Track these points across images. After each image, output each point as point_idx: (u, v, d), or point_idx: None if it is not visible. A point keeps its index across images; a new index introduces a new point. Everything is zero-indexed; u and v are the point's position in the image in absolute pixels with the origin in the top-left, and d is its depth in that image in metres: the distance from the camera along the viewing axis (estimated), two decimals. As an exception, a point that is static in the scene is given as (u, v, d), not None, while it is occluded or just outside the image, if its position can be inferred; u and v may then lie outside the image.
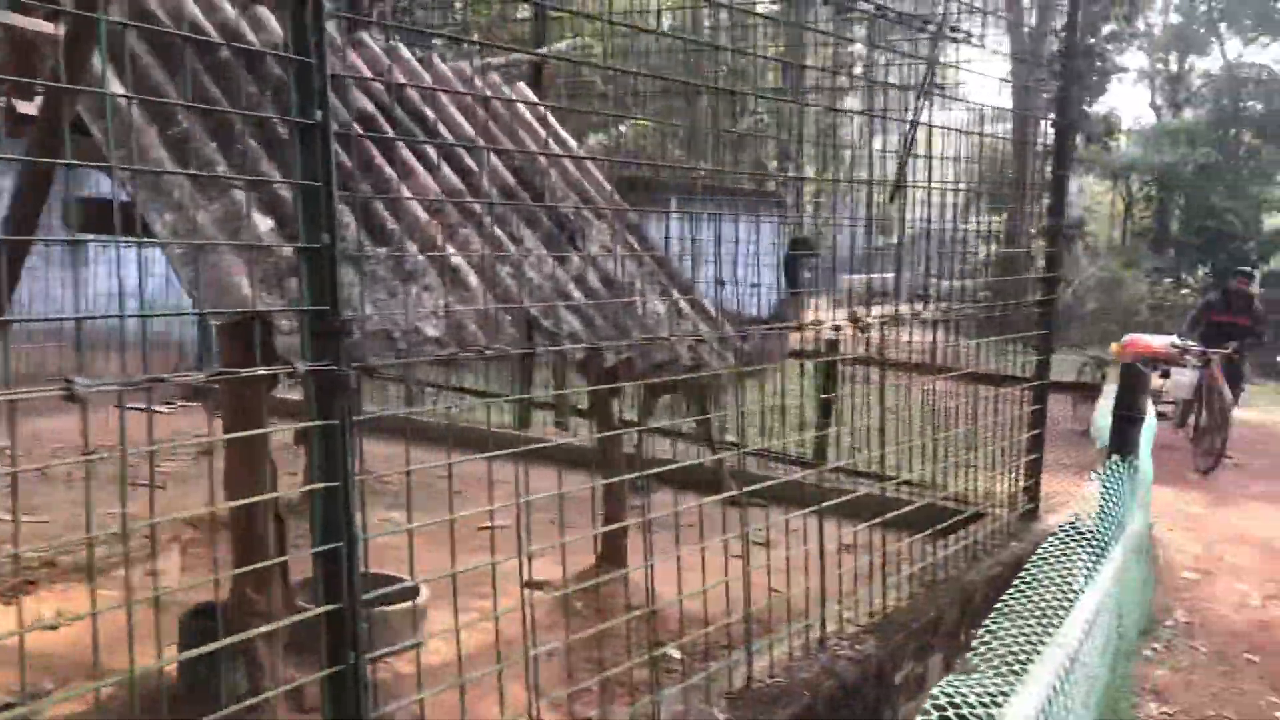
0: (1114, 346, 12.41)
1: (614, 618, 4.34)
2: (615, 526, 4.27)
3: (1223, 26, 34.49)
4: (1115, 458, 3.20)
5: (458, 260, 3.18)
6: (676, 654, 4.38)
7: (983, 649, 2.16)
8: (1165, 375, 11.39)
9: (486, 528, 4.49)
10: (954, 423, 5.28)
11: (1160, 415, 11.61)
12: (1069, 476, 7.41)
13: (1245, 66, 32.58)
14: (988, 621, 2.24)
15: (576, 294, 3.59)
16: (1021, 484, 5.52)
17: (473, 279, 3.15)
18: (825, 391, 6.58)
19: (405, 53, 4.29)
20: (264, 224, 2.75)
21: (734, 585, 3.64)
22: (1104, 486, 2.88)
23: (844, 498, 4.14)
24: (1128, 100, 57.54)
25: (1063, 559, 2.42)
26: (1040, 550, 2.51)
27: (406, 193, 3.39)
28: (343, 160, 3.34)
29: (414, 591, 4.11)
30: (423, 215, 3.32)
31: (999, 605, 2.39)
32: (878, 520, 4.28)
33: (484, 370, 7.86)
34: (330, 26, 3.57)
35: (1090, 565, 2.44)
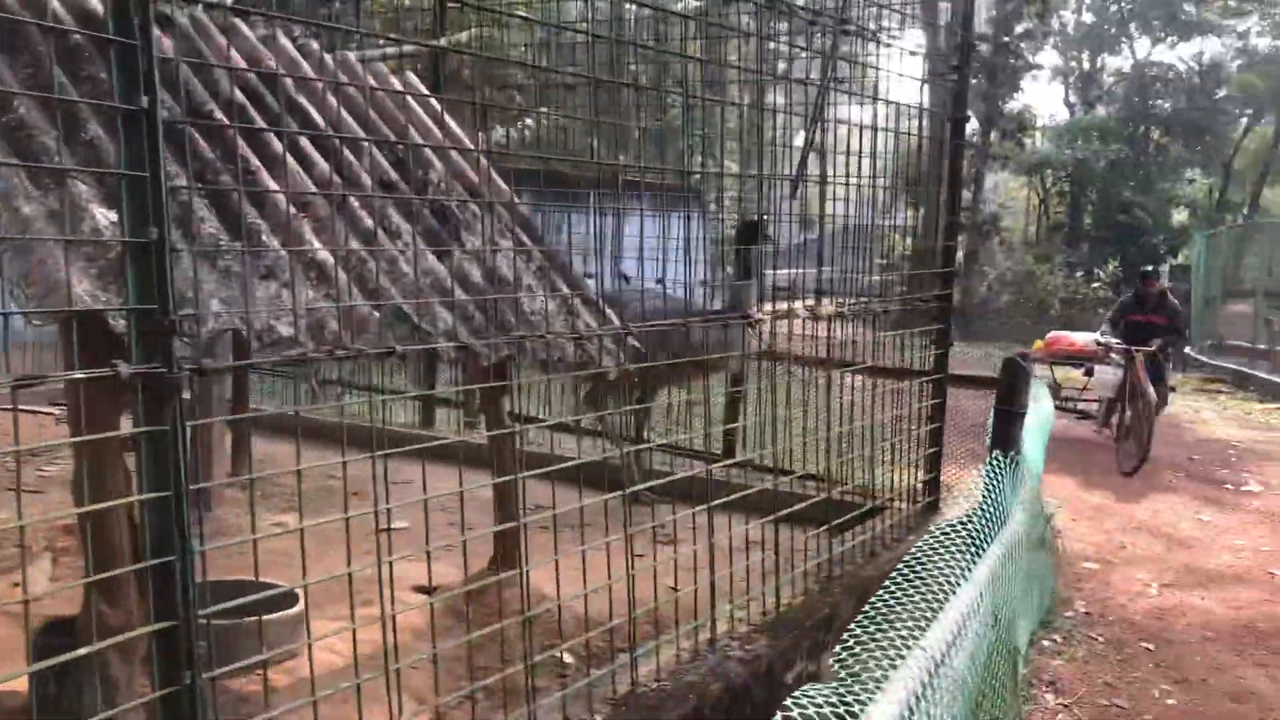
0: (1037, 344, 12.33)
1: (505, 622, 4.24)
2: (505, 526, 4.17)
3: (1133, 26, 35.33)
4: (996, 453, 3.18)
5: (324, 255, 3.05)
6: (569, 658, 4.30)
7: (845, 656, 2.11)
8: (1089, 373, 11.36)
9: (385, 530, 4.34)
10: (856, 417, 5.26)
11: (1084, 414, 11.57)
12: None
13: (1154, 66, 33.45)
14: (852, 627, 2.19)
15: (456, 290, 3.47)
16: (922, 478, 5.53)
17: (340, 275, 3.02)
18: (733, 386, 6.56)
19: (285, 42, 4.13)
20: (108, 217, 2.59)
21: (634, 584, 3.56)
22: (984, 484, 2.85)
23: (742, 493, 4.08)
24: (1043, 97, 58.67)
25: (936, 559, 2.38)
26: (913, 551, 2.47)
27: (273, 185, 3.24)
28: (202, 151, 3.19)
29: (291, 599, 3.96)
30: (289, 209, 3.18)
31: (865, 610, 2.33)
32: (776, 516, 4.25)
33: (386, 368, 7.70)
34: (180, 12, 3.41)
35: (964, 566, 2.40)
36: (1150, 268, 11.70)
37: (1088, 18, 37.59)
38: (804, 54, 5.10)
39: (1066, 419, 11.71)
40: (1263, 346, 18.07)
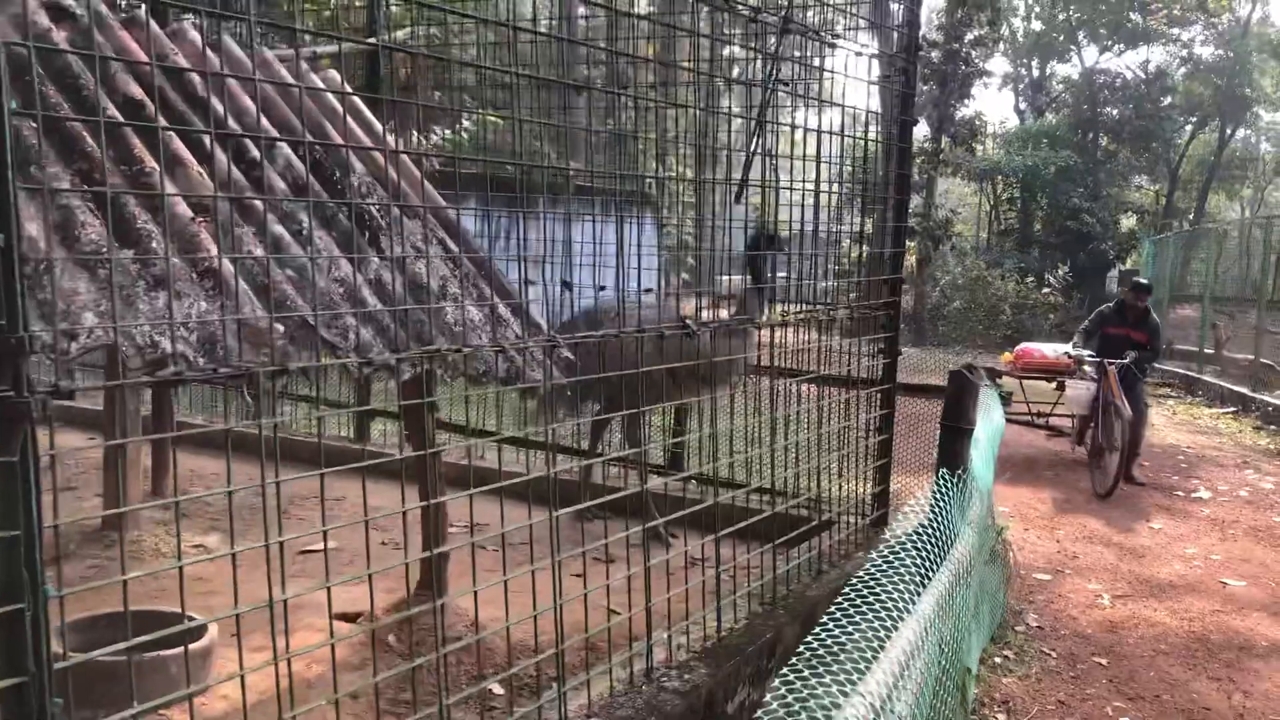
0: (1005, 356, 11.82)
1: (428, 650, 4.01)
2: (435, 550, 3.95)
3: (1080, 34, 35.69)
4: (943, 472, 3.00)
5: (222, 263, 2.82)
6: (499, 689, 4.08)
7: (786, 694, 1.92)
8: (1061, 388, 10.78)
9: (308, 551, 4.09)
10: (803, 428, 5.10)
11: (1056, 430, 11.23)
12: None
13: (1102, 73, 33.79)
14: (794, 661, 2.00)
15: (372, 300, 3.26)
16: (871, 490, 5.37)
17: (240, 285, 2.80)
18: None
19: (193, 35, 3.89)
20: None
21: (562, 613, 3.35)
22: (930, 506, 2.68)
23: (688, 511, 3.90)
24: (993, 104, 59.36)
25: (881, 589, 2.20)
26: (859, 575, 2.29)
27: (171, 188, 3.01)
28: (91, 150, 2.96)
29: (200, 631, 3.71)
30: (186, 212, 2.95)
31: (808, 641, 2.14)
32: (718, 535, 4.07)
33: (325, 378, 7.44)
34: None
35: (909, 599, 2.23)
36: (1144, 280, 10.77)
37: (1036, 25, 37.95)
38: (747, 54, 4.94)
39: (1036, 435, 11.49)
40: (1210, 351, 18.21)
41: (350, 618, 4.25)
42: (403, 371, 3.04)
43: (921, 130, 29.11)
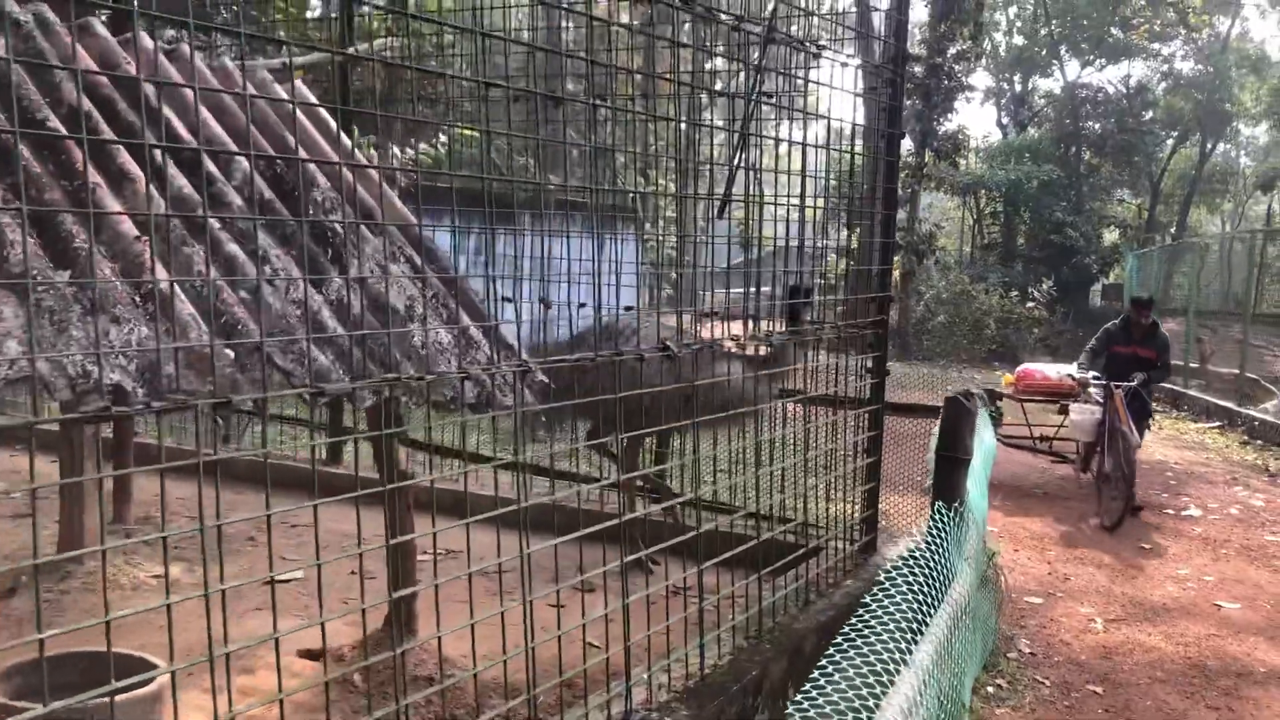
0: (1006, 378, 11.09)
1: (396, 690, 3.81)
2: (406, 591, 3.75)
3: (1062, 49, 35.83)
4: (939, 506, 2.83)
5: (168, 286, 2.63)
6: (470, 731, 3.88)
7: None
8: (1064, 412, 10.07)
9: (273, 581, 3.86)
10: (789, 451, 4.92)
11: (1059, 456, 10.44)
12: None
13: (1084, 88, 33.90)
14: (790, 711, 1.82)
15: (331, 323, 3.07)
16: (859, 515, 5.19)
17: (186, 308, 2.61)
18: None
19: (148, 44, 3.70)
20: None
21: (548, 643, 3.16)
22: (927, 543, 2.51)
23: (674, 540, 3.72)
24: (976, 119, 59.61)
25: (871, 639, 2.03)
26: (847, 629, 2.11)
27: (116, 206, 2.82)
28: (28, 165, 2.76)
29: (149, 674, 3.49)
30: (131, 231, 2.75)
31: (796, 701, 1.96)
32: (702, 566, 3.89)
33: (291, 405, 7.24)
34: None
35: (904, 648, 2.06)
36: (1145, 295, 10.34)
37: (1018, 40, 38.09)
38: (730, 66, 4.78)
39: (1042, 461, 10.91)
40: (1194, 365, 18.14)
41: (314, 654, 4.04)
42: (362, 399, 2.85)
43: (905, 144, 29.13)
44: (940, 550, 2.55)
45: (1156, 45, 35.15)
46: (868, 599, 2.21)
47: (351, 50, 6.03)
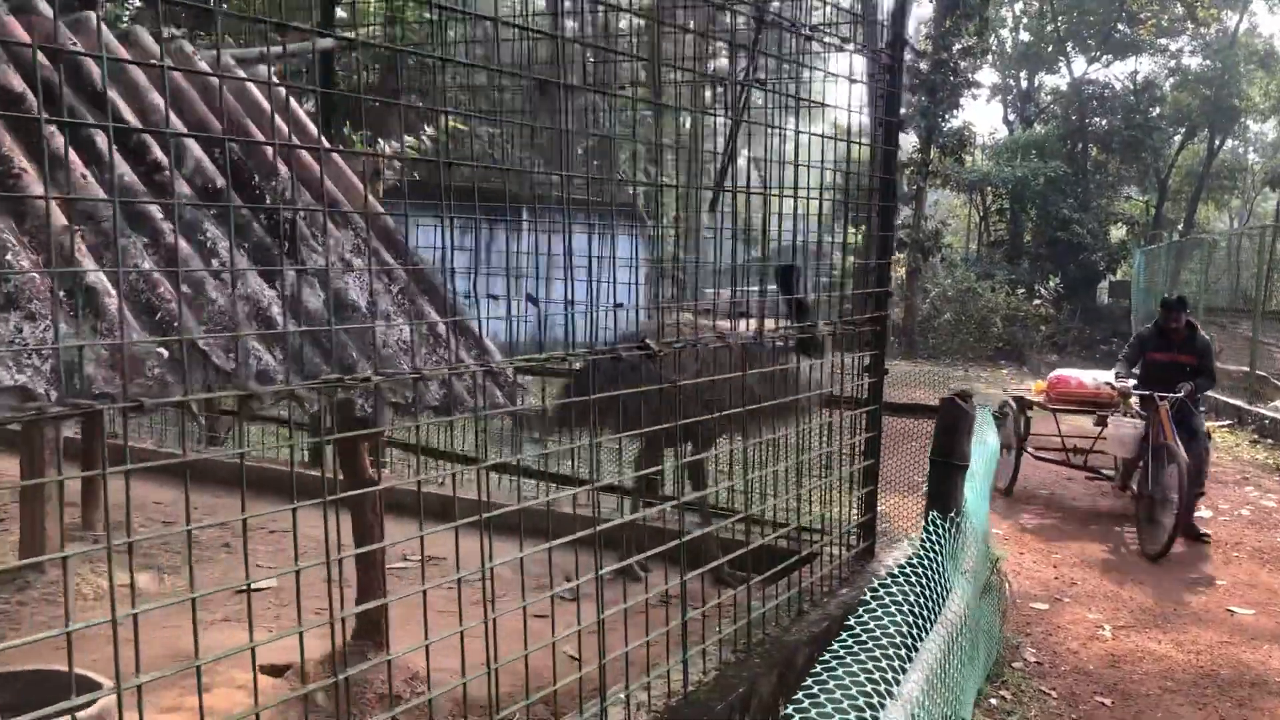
0: (1037, 385, 10.07)
1: (360, 711, 3.61)
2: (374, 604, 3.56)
3: (1069, 45, 35.53)
4: (933, 516, 2.61)
5: (96, 278, 2.43)
6: (442, 751, 3.68)
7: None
8: (1102, 423, 9.04)
9: (245, 590, 3.65)
10: (783, 452, 4.72)
11: (1096, 472, 9.32)
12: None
13: (1090, 84, 33.61)
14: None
15: (281, 319, 2.86)
16: (856, 519, 4.97)
17: (112, 303, 2.40)
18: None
19: (96, 25, 3.50)
20: None
21: (497, 677, 2.95)
22: (920, 555, 2.30)
23: (667, 546, 3.51)
24: (983, 116, 59.33)
25: (854, 667, 1.82)
26: (829, 652, 1.91)
27: (42, 190, 2.62)
28: (-53, 148, 2.56)
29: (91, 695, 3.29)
30: (61, 220, 2.55)
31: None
32: (688, 574, 3.69)
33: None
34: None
35: (890, 677, 1.84)
36: (1176, 296, 9.39)
37: (1025, 36, 37.80)
38: (722, 51, 4.57)
39: (1074, 477, 10.04)
40: (1204, 363, 17.86)
41: (278, 670, 3.84)
42: (310, 401, 2.65)
43: (910, 141, 28.91)
44: (934, 564, 2.34)
45: (1164, 41, 34.84)
46: (852, 620, 2.01)
47: (352, 36, 5.81)
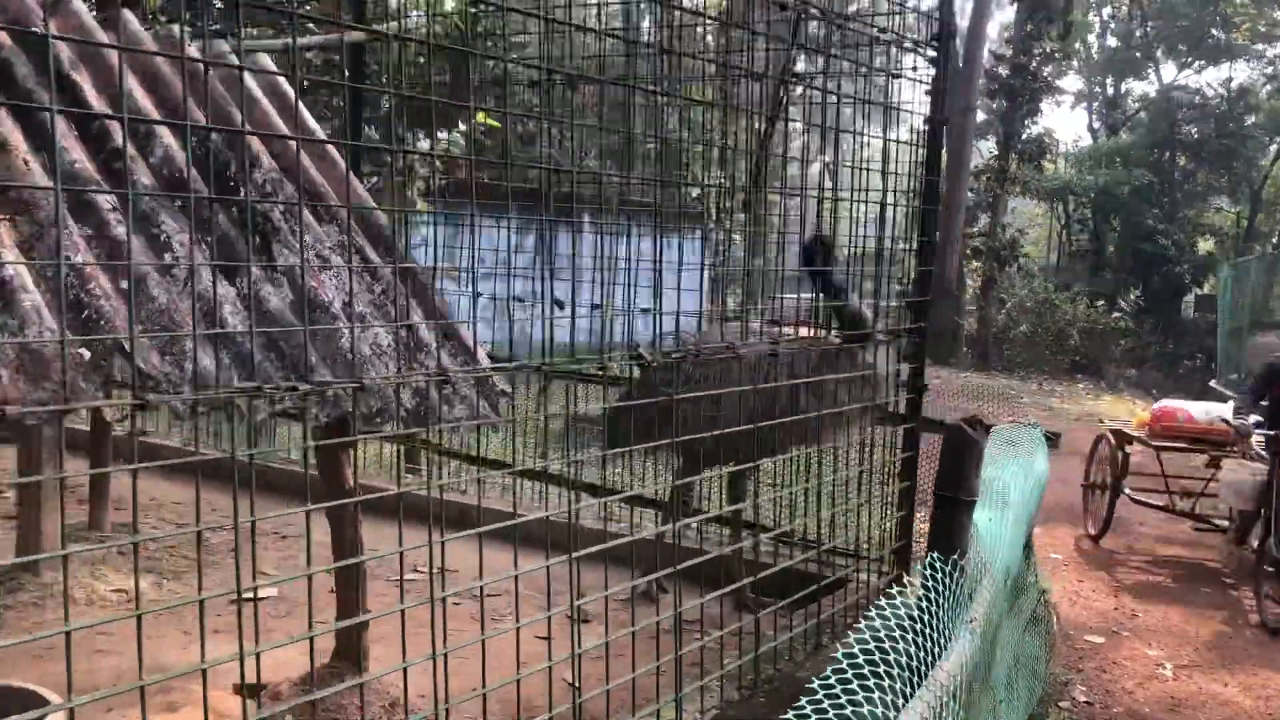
0: (1139, 416, 8.67)
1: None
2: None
3: (1158, 51, 34.45)
4: (933, 558, 2.30)
5: (14, 271, 2.24)
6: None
7: None
8: (1215, 465, 7.88)
9: (239, 599, 3.49)
10: (814, 470, 4.43)
11: (1206, 523, 8.03)
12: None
13: (1181, 91, 32.50)
14: None
15: (235, 320, 2.65)
16: (891, 546, 4.65)
17: (28, 299, 2.21)
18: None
19: (78, 6, 3.34)
20: None
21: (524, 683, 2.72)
22: (916, 605, 2.00)
23: (691, 562, 3.25)
24: (1067, 123, 57.89)
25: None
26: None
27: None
28: None
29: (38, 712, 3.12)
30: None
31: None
32: (711, 596, 3.43)
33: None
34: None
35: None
36: None
37: (1112, 42, 36.74)
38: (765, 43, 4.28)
39: (1181, 525, 8.64)
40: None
41: (253, 690, 3.63)
42: (257, 410, 2.43)
43: (988, 146, 28.19)
44: (928, 613, 2.04)
45: (1261, 46, 33.53)
46: (817, 682, 1.73)
47: (381, 29, 5.63)
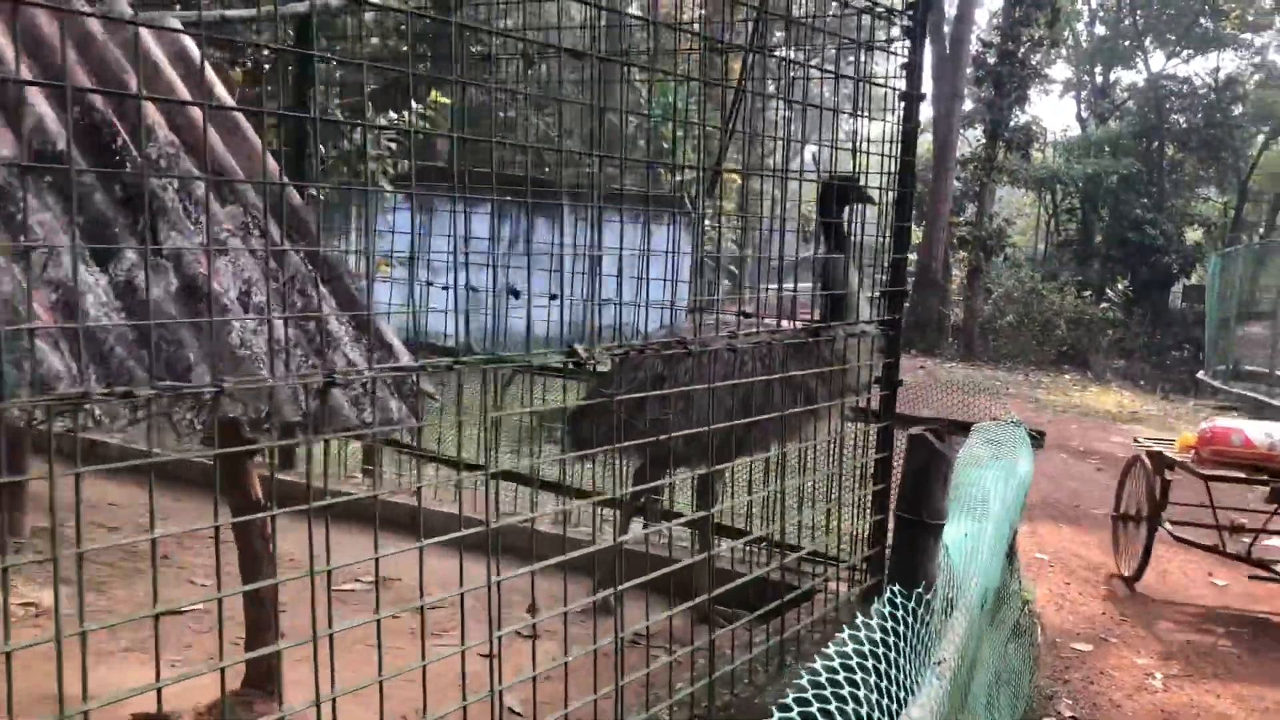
0: (1184, 437, 7.13)
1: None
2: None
3: (1147, 40, 34.20)
4: (894, 593, 1.97)
5: None
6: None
7: None
8: (1278, 500, 6.77)
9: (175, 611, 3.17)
10: (782, 472, 4.12)
11: (1264, 568, 6.72)
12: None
13: (1169, 80, 32.26)
14: None
15: (97, 312, 2.32)
16: (864, 553, 4.34)
17: None
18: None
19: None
20: None
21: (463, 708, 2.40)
22: (868, 648, 1.68)
23: (651, 575, 2.95)
24: (1056, 112, 57.78)
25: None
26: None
27: None
28: None
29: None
30: None
31: None
32: (678, 609, 3.12)
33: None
34: None
35: None
36: None
37: (1100, 30, 36.48)
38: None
39: (1230, 568, 7.24)
40: (1281, 373, 16.82)
41: (157, 720, 3.30)
42: (116, 414, 2.10)
43: (975, 134, 27.89)
44: (886, 657, 1.72)
45: (1249, 35, 33.35)
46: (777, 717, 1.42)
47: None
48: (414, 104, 5.68)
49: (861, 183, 4.18)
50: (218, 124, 3.19)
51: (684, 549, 5.21)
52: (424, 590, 2.37)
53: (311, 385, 2.24)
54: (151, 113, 2.97)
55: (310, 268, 2.95)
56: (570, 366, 2.60)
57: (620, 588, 2.97)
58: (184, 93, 3.17)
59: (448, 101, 6.20)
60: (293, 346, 2.68)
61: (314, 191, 3.73)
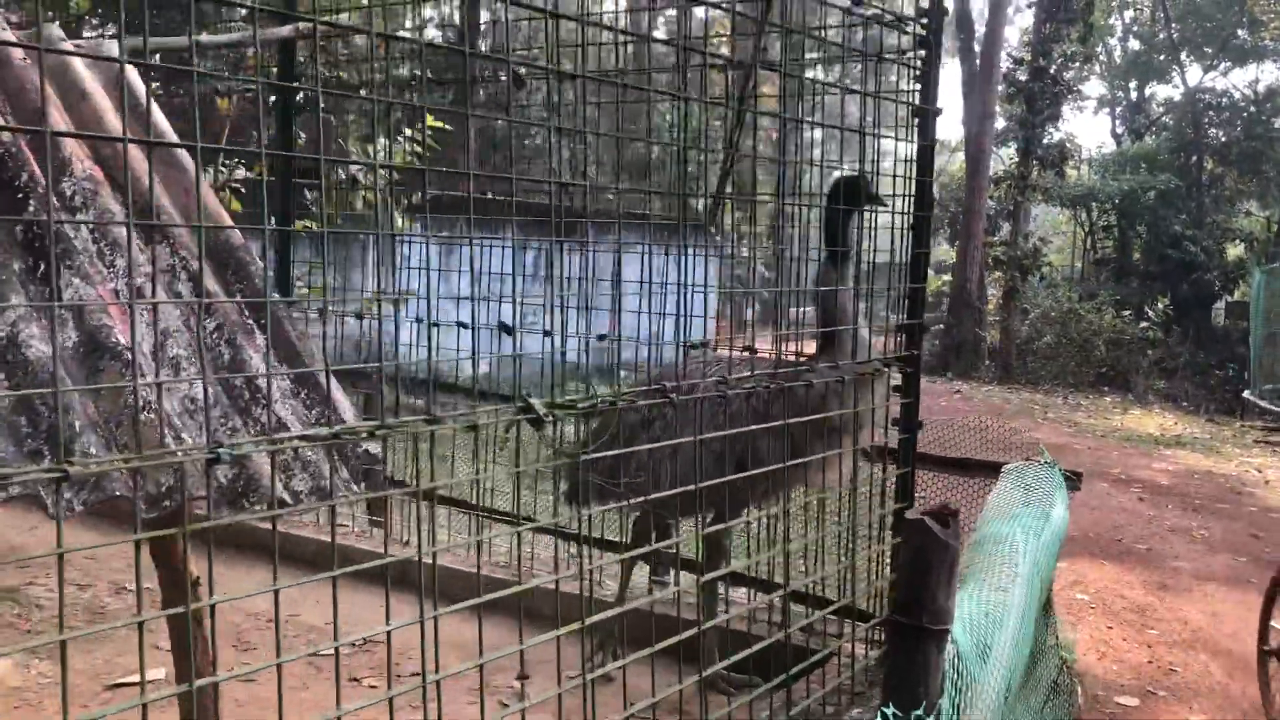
0: None
1: None
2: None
3: (1183, 53, 33.58)
4: (886, 715, 1.61)
5: None
6: None
7: None
8: None
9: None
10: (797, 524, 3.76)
11: None
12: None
13: (1207, 93, 31.63)
14: None
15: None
16: (882, 615, 3.95)
17: None
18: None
19: None
20: None
21: None
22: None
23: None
24: (1090, 129, 56.97)
25: None
26: None
27: None
28: None
29: None
30: None
31: None
32: (689, 683, 2.76)
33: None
34: None
35: None
36: None
37: (1134, 45, 35.90)
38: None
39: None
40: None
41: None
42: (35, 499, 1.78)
43: (1008, 153, 27.38)
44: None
45: (1289, 46, 32.64)
46: None
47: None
48: (407, 131, 5.38)
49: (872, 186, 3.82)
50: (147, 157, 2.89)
51: (690, 605, 4.84)
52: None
53: (197, 462, 1.91)
54: (70, 145, 2.68)
55: (245, 314, 2.64)
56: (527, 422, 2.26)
57: (623, 662, 2.62)
58: (114, 125, 2.88)
59: (443, 125, 5.90)
60: (212, 405, 2.36)
61: (310, 223, 3.43)
